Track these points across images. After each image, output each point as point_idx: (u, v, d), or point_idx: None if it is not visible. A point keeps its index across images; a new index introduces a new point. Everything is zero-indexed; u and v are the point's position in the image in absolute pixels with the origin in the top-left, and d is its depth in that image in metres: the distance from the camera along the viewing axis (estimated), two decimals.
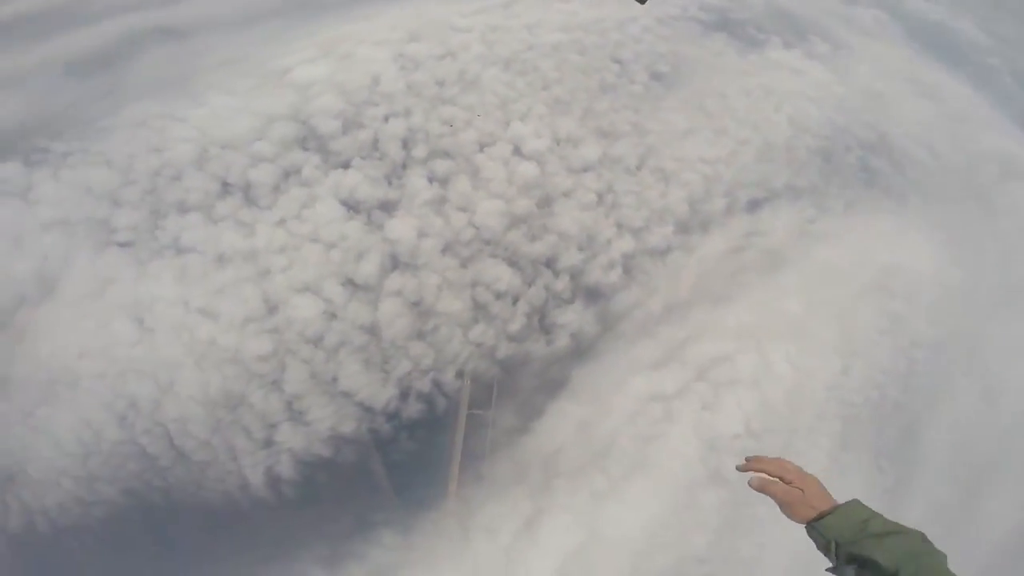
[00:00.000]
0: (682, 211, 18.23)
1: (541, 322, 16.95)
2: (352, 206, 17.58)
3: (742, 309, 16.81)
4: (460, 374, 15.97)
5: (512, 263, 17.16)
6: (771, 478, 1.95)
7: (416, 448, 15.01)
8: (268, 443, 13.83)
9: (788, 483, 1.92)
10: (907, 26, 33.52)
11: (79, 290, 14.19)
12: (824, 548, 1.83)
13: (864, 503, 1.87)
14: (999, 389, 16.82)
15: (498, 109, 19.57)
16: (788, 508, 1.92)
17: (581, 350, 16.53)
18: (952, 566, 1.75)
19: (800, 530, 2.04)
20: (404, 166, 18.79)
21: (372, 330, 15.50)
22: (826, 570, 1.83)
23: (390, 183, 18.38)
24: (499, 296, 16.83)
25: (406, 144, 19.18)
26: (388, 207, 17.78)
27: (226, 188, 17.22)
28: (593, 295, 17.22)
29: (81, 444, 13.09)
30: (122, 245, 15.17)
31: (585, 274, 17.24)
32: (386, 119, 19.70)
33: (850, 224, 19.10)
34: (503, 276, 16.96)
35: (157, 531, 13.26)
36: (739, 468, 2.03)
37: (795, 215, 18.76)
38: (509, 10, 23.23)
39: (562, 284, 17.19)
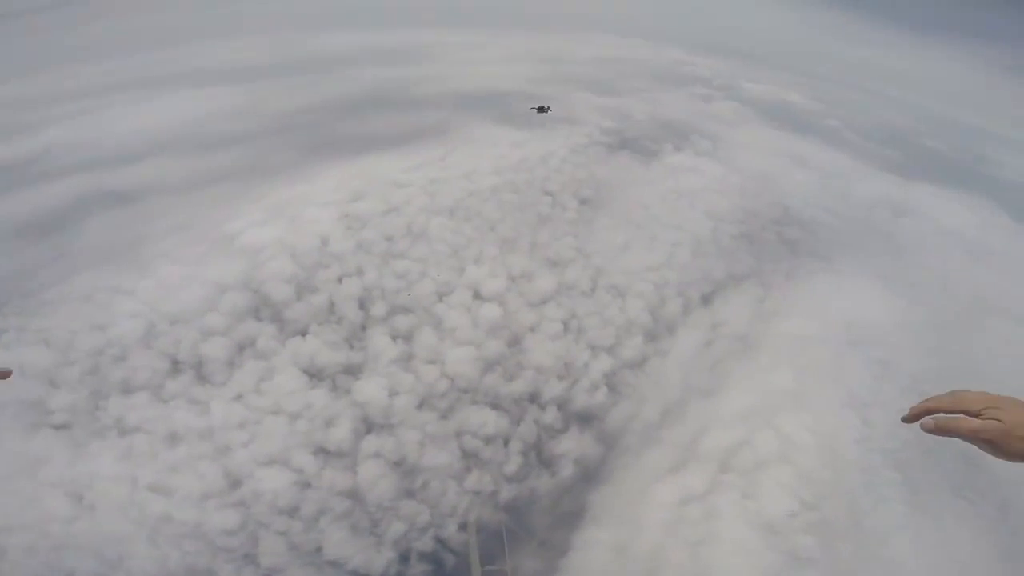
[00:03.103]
0: (645, 320, 18.82)
1: (539, 457, 15.83)
2: (314, 374, 16.84)
3: (736, 394, 16.59)
4: (463, 526, 14.36)
5: (495, 406, 16.41)
6: (952, 415, 1.54)
7: None
8: None
9: (977, 415, 1.52)
10: (756, 109, 41.30)
11: (5, 470, 13.32)
12: None
13: None
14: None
15: (450, 257, 20.38)
16: (993, 446, 1.49)
17: (590, 474, 15.33)
18: None
19: None
20: (363, 327, 18.49)
21: (353, 495, 14.31)
22: None
23: (351, 346, 17.88)
24: (488, 441, 15.82)
25: (363, 304, 19.13)
26: (353, 370, 17.09)
27: (176, 366, 16.36)
28: (585, 418, 16.49)
29: None
30: (57, 427, 14.25)
31: (571, 401, 16.70)
32: (339, 280, 19.85)
33: (795, 293, 20.58)
34: (488, 420, 16.08)
35: None
36: (906, 420, 1.63)
37: (745, 297, 19.99)
38: (445, 162, 25.80)
39: (551, 416, 16.45)
